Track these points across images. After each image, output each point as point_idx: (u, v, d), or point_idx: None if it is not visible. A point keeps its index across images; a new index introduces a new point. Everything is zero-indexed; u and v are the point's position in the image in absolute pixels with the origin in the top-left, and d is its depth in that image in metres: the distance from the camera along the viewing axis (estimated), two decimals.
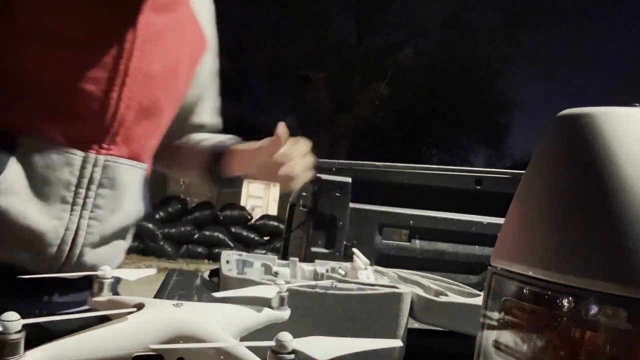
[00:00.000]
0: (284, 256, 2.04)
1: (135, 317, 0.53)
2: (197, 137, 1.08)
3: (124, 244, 0.96)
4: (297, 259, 1.19)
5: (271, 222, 9.90)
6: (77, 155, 0.83)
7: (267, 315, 0.66)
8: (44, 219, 0.82)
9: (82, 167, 0.83)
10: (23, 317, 0.43)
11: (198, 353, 0.52)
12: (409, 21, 18.50)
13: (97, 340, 0.49)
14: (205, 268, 7.42)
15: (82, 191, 0.84)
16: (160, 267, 8.64)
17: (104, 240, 0.89)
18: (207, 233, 9.25)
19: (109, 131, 0.85)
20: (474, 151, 22.37)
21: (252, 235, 9.51)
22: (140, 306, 0.57)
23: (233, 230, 9.47)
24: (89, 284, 0.66)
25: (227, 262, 1.10)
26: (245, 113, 19.24)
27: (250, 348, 0.50)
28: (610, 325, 0.51)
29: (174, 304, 0.57)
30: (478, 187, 1.94)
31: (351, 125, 17.12)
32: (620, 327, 0.51)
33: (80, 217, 0.84)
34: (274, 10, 17.35)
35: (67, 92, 0.82)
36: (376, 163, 1.97)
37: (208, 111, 1.09)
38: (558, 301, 0.54)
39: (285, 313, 0.69)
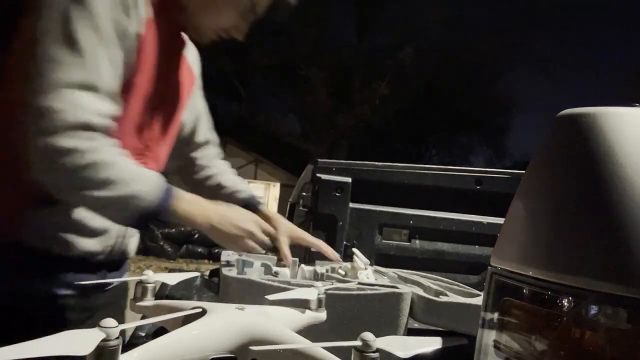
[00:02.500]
0: None
1: (209, 321, 0.55)
2: (227, 185, 1.35)
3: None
4: (297, 259, 1.19)
5: None
6: None
7: (308, 316, 0.69)
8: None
9: None
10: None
11: (273, 354, 0.53)
12: (409, 21, 18.51)
13: (181, 343, 0.50)
14: (205, 268, 7.41)
15: None
16: (160, 267, 8.63)
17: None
18: None
19: (146, 147, 1.07)
20: (474, 151, 22.40)
21: None
22: (202, 310, 0.58)
23: None
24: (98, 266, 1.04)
25: (227, 262, 1.09)
26: (245, 113, 19.26)
27: (327, 348, 0.52)
28: (610, 325, 0.51)
29: (237, 307, 0.59)
30: (478, 187, 1.93)
31: (351, 125, 17.11)
32: (620, 327, 0.51)
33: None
34: (273, 10, 17.33)
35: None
36: (376, 163, 1.97)
37: (205, 129, 1.37)
38: (558, 301, 0.54)
39: (322, 315, 0.72)
